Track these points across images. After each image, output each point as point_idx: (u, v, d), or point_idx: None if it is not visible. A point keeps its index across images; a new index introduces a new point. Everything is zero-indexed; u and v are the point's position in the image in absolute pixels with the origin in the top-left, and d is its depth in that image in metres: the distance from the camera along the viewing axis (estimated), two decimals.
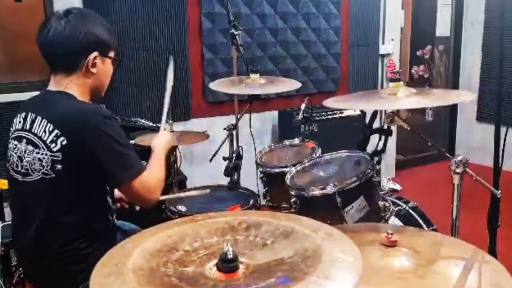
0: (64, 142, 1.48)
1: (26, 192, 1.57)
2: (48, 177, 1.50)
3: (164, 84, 2.14)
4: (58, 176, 1.49)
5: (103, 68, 1.62)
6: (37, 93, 1.67)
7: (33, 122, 1.54)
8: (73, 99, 1.56)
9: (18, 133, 1.57)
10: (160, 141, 1.83)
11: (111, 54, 1.64)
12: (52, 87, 1.60)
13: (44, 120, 1.51)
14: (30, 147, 1.53)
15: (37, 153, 1.51)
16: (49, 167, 1.49)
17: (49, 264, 1.56)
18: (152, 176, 1.61)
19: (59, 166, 1.49)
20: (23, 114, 1.58)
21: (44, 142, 1.50)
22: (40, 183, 1.51)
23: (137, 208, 1.86)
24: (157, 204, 1.65)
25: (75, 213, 1.53)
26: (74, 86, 1.57)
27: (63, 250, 1.54)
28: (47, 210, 1.52)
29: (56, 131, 1.48)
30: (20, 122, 1.58)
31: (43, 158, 1.50)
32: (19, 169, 1.55)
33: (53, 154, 1.49)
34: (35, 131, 1.52)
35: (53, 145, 1.48)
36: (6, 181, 2.29)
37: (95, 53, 1.57)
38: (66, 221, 1.53)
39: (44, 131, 1.50)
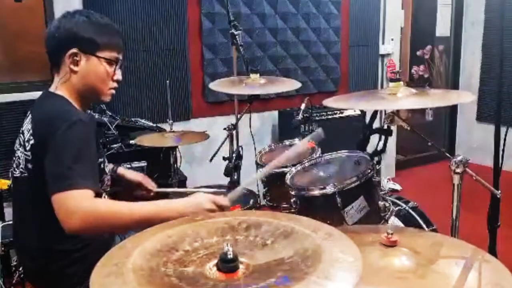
0: (32, 142, 1.48)
1: (17, 188, 1.60)
2: (24, 175, 1.52)
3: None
4: (30, 175, 1.50)
5: (89, 67, 1.54)
6: (38, 93, 1.67)
7: (25, 120, 1.56)
8: (58, 100, 1.53)
9: (20, 129, 1.59)
10: (188, 201, 1.44)
11: (102, 54, 1.54)
12: (51, 87, 1.61)
13: (30, 119, 1.53)
14: (18, 144, 1.56)
15: (18, 150, 1.54)
16: (24, 165, 1.51)
17: (46, 264, 1.56)
18: (98, 204, 1.35)
19: (30, 165, 1.49)
20: (28, 112, 1.61)
21: (24, 140, 1.52)
22: (21, 181, 1.53)
23: None
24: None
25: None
26: (63, 86, 1.56)
27: (55, 251, 1.53)
28: (33, 208, 1.52)
29: (31, 131, 1.50)
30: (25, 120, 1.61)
31: (21, 156, 1.52)
32: (14, 165, 1.58)
33: (26, 153, 1.50)
34: (23, 129, 1.54)
35: (27, 144, 1.50)
36: (6, 181, 2.30)
37: (74, 50, 1.51)
38: (51, 220, 1.41)
39: (27, 130, 1.52)
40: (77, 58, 1.52)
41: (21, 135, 1.55)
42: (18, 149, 1.54)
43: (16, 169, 1.55)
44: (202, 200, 1.44)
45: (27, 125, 1.53)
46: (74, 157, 1.36)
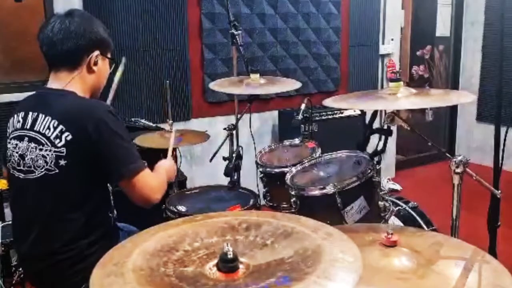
0: (69, 137, 1.49)
1: (29, 189, 1.57)
2: (51, 173, 1.51)
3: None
4: (61, 172, 1.51)
5: (103, 67, 1.67)
6: (33, 92, 1.67)
7: (35, 120, 1.54)
8: (76, 96, 1.58)
9: (18, 133, 1.57)
10: (163, 165, 1.83)
11: (109, 55, 1.69)
12: (52, 85, 1.61)
13: (47, 117, 1.52)
14: (32, 144, 1.53)
15: (41, 150, 1.52)
16: (53, 163, 1.51)
17: (51, 264, 1.56)
18: (154, 176, 1.63)
19: (62, 162, 1.50)
20: (21, 114, 1.59)
21: (48, 138, 1.51)
22: (43, 180, 1.52)
23: None
24: (155, 205, 1.64)
25: (79, 210, 1.54)
26: (75, 84, 1.60)
27: (67, 249, 1.54)
28: (51, 207, 1.53)
29: (61, 127, 1.50)
30: (19, 121, 1.58)
31: (47, 154, 1.51)
32: (21, 167, 1.56)
33: (57, 149, 1.50)
34: (38, 129, 1.53)
35: (58, 140, 1.50)
36: (6, 181, 2.29)
37: (97, 52, 1.62)
38: (70, 218, 1.53)
39: (48, 128, 1.51)
40: (97, 59, 1.62)
41: (36, 135, 1.53)
42: (41, 149, 1.51)
43: (35, 169, 1.53)
44: (166, 166, 1.83)
45: (45, 123, 1.52)
46: (129, 141, 1.58)
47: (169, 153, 1.98)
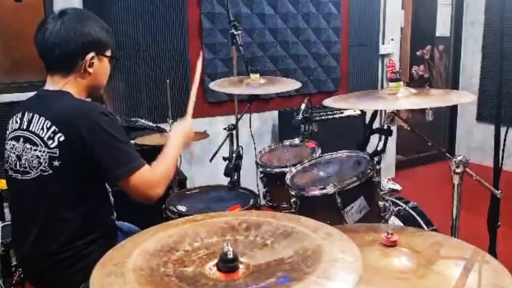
0: (62, 138, 1.48)
1: (26, 190, 1.57)
2: (46, 174, 1.51)
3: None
4: (55, 173, 1.50)
5: (101, 67, 1.63)
6: (34, 93, 1.67)
7: (30, 121, 1.54)
8: (71, 97, 1.57)
9: (15, 133, 1.58)
10: (178, 128, 1.76)
11: (108, 52, 1.65)
12: (49, 86, 1.61)
13: (41, 118, 1.52)
14: (28, 145, 1.53)
15: (35, 150, 1.52)
16: (46, 163, 1.50)
17: (50, 265, 1.56)
18: (155, 171, 1.58)
19: (56, 163, 1.49)
20: (19, 114, 1.59)
21: (41, 139, 1.51)
22: (38, 180, 1.52)
23: None
24: (155, 205, 1.64)
25: (75, 211, 1.53)
26: (72, 86, 1.58)
27: (65, 249, 1.54)
28: (48, 207, 1.53)
29: (53, 128, 1.49)
30: (16, 122, 1.59)
31: (41, 155, 1.50)
32: (18, 168, 1.56)
33: (50, 150, 1.49)
34: (33, 129, 1.53)
35: (51, 141, 1.49)
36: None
37: (92, 54, 1.58)
38: (67, 219, 1.53)
39: (42, 128, 1.51)
40: (93, 61, 1.59)
41: (31, 135, 1.53)
42: (35, 149, 1.51)
43: (30, 170, 1.53)
44: (181, 128, 1.78)
45: (39, 124, 1.51)
46: (124, 140, 1.54)
47: (189, 110, 1.85)
